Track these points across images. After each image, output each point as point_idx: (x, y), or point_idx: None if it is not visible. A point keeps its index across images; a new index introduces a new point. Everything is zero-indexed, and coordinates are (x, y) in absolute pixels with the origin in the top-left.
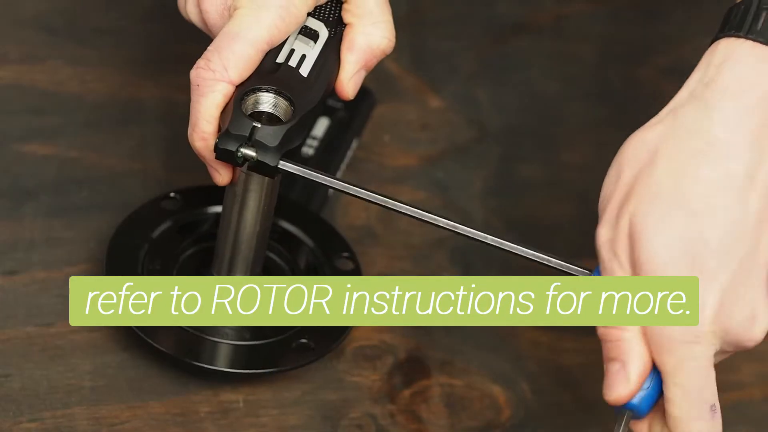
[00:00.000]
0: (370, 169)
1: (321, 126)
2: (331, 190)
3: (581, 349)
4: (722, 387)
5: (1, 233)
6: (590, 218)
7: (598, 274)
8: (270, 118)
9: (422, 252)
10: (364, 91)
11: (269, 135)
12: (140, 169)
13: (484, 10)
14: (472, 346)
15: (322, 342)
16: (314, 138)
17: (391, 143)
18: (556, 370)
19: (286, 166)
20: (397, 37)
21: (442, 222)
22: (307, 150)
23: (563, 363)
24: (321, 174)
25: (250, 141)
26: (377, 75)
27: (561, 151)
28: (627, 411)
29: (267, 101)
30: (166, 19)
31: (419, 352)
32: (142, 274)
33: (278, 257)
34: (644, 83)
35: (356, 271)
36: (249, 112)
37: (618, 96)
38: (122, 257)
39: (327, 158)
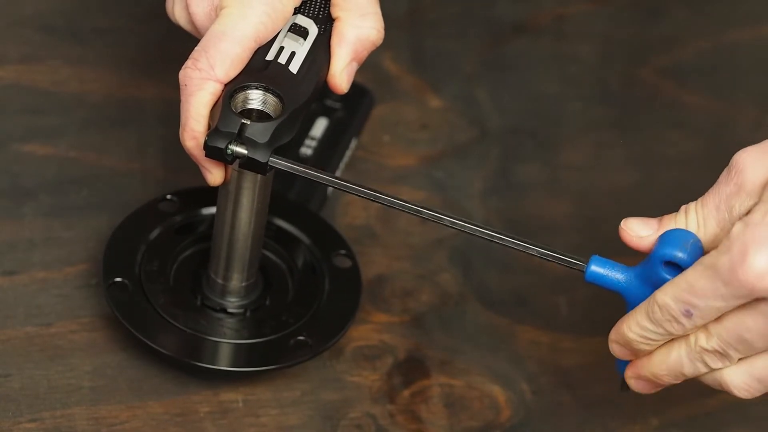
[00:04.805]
0: (369, 169)
1: (320, 126)
2: (330, 190)
3: (581, 349)
4: None
5: (0, 233)
6: (590, 218)
7: (593, 264)
8: (260, 116)
9: (422, 252)
10: (363, 91)
11: (259, 131)
12: (140, 168)
13: (484, 10)
14: (472, 346)
15: (319, 339)
16: (313, 138)
17: (391, 143)
18: (556, 370)
19: (276, 162)
20: (397, 37)
21: (430, 215)
22: (306, 150)
23: (563, 363)
24: (311, 169)
25: (239, 138)
26: (377, 75)
27: (561, 151)
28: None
29: (256, 98)
30: (166, 19)
31: (419, 352)
32: (139, 275)
33: (275, 256)
34: (644, 83)
35: (354, 269)
36: (238, 110)
37: (618, 96)
38: (119, 258)
39: (325, 158)
